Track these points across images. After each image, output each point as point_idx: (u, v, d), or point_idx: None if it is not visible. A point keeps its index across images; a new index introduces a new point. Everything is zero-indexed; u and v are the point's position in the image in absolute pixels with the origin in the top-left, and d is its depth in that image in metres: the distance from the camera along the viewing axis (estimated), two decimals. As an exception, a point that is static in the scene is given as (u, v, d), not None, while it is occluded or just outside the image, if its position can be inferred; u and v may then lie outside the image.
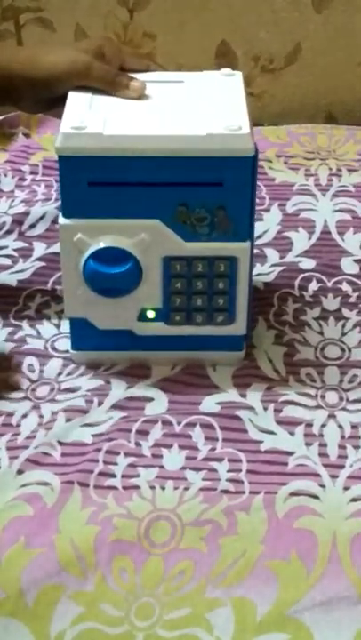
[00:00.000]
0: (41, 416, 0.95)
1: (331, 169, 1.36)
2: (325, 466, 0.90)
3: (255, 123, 1.03)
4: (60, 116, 0.94)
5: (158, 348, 1.01)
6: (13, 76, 1.00)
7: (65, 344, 1.04)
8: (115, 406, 0.97)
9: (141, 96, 0.98)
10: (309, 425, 0.94)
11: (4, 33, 1.50)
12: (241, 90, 1.00)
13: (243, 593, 0.80)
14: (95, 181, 0.92)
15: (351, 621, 0.78)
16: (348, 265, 1.17)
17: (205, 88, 1.00)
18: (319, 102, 1.54)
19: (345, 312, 1.09)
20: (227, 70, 1.04)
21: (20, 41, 1.49)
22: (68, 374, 1.01)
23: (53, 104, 1.01)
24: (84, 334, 1.01)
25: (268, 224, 1.24)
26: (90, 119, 0.92)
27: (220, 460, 0.91)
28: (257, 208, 1.05)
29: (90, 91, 0.98)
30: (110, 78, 0.98)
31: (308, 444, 0.93)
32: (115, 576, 0.81)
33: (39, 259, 1.18)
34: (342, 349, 1.04)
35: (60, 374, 1.01)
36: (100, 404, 0.97)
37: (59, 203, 1.24)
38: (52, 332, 1.06)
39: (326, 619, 0.78)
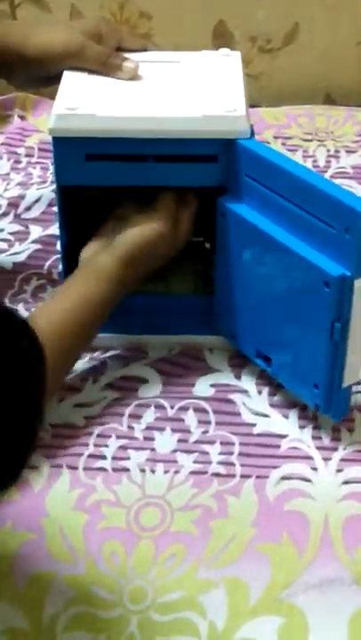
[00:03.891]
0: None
1: (329, 150, 1.35)
2: (319, 448, 0.90)
3: (253, 104, 1.02)
4: (53, 95, 0.93)
5: (155, 332, 1.00)
6: (6, 51, 0.98)
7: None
8: (109, 385, 0.97)
9: (135, 77, 0.97)
10: (304, 408, 0.94)
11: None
12: (239, 70, 0.99)
13: (235, 574, 0.80)
14: (90, 160, 0.92)
15: (345, 603, 0.78)
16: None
17: (203, 68, 0.99)
18: (318, 83, 1.52)
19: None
20: (225, 50, 1.03)
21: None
22: (64, 358, 1.01)
23: (47, 82, 1.00)
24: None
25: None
26: (84, 100, 0.92)
27: (212, 442, 0.91)
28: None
29: (85, 70, 0.98)
30: (103, 59, 0.97)
31: (301, 427, 0.92)
32: (106, 559, 0.81)
33: (35, 241, 1.18)
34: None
35: (55, 358, 1.01)
36: (94, 381, 0.97)
37: (55, 185, 1.24)
38: (48, 316, 1.06)
39: (320, 601, 0.78)
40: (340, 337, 0.85)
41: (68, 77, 0.97)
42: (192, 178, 0.93)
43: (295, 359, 0.92)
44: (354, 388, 0.92)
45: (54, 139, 0.92)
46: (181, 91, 0.95)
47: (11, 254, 1.16)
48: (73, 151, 0.91)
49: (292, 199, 0.86)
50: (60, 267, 1.08)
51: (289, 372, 0.93)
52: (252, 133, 0.91)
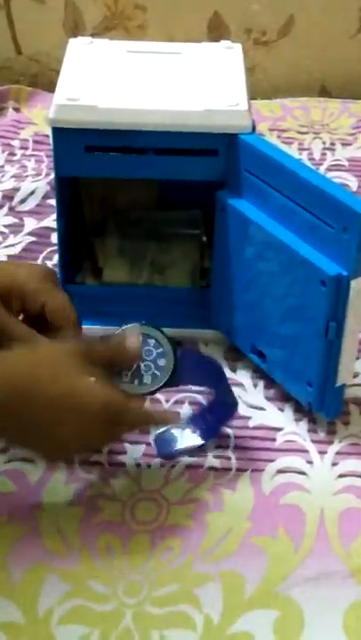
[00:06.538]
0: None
1: (324, 143, 1.35)
2: (314, 442, 0.90)
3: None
4: (47, 87, 0.93)
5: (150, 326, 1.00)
6: None
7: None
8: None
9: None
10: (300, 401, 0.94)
11: (-6, 6, 1.48)
12: (240, 63, 0.99)
13: (231, 568, 0.80)
14: (91, 151, 0.91)
15: (340, 597, 0.78)
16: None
17: (204, 61, 0.99)
18: (313, 75, 1.52)
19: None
20: (226, 43, 1.03)
21: (9, 13, 1.48)
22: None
23: None
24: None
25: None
26: (85, 90, 0.91)
27: (208, 435, 0.91)
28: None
29: (86, 60, 0.97)
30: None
31: (297, 420, 0.92)
32: (101, 553, 0.81)
33: (30, 234, 1.17)
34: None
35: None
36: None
37: (49, 177, 1.24)
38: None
39: (316, 595, 0.78)
40: (335, 336, 0.85)
41: (69, 66, 0.96)
42: (192, 171, 0.92)
43: (290, 356, 0.91)
44: (350, 381, 0.92)
45: (54, 129, 0.91)
46: (183, 83, 0.94)
47: (5, 247, 1.15)
48: (73, 142, 0.91)
49: (292, 196, 0.86)
50: (56, 259, 1.08)
51: (283, 369, 0.93)
52: (254, 128, 0.91)
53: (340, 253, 0.82)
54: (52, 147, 0.93)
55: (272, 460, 0.88)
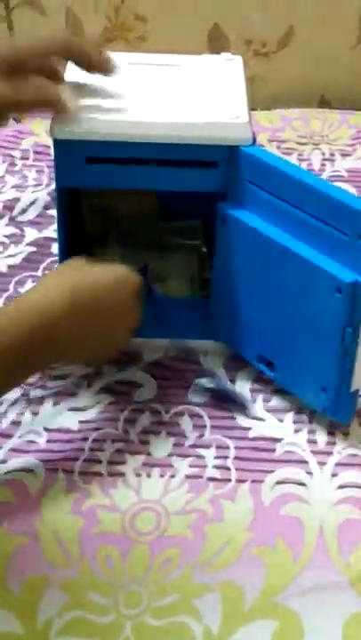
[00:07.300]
0: (29, 401, 0.95)
1: (324, 154, 1.35)
2: (314, 453, 0.90)
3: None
4: None
5: (150, 336, 1.00)
6: None
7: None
8: (104, 389, 0.97)
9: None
10: (299, 412, 0.94)
11: (-5, 16, 1.49)
12: (241, 75, 0.99)
13: (230, 578, 0.80)
14: (91, 162, 0.92)
15: (340, 607, 0.78)
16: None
17: (205, 73, 0.99)
18: (313, 86, 1.53)
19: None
20: (227, 55, 1.03)
21: (10, 24, 1.48)
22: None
23: None
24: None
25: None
26: (86, 102, 0.91)
27: (207, 446, 0.91)
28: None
29: (85, 73, 0.97)
30: None
31: (296, 431, 0.92)
32: (100, 564, 0.81)
33: (30, 244, 1.17)
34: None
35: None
36: (89, 386, 0.97)
37: (50, 188, 1.24)
38: (42, 319, 1.06)
39: (315, 605, 0.78)
40: (351, 341, 0.85)
41: (70, 79, 0.96)
42: (192, 183, 0.93)
43: (302, 363, 0.91)
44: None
45: (55, 141, 0.91)
46: (183, 96, 0.95)
47: (6, 257, 1.15)
48: (74, 154, 0.91)
49: (301, 206, 0.86)
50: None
51: (294, 377, 0.93)
52: (254, 140, 0.91)
53: (355, 260, 0.83)
54: (52, 157, 0.93)
55: (272, 471, 0.88)
